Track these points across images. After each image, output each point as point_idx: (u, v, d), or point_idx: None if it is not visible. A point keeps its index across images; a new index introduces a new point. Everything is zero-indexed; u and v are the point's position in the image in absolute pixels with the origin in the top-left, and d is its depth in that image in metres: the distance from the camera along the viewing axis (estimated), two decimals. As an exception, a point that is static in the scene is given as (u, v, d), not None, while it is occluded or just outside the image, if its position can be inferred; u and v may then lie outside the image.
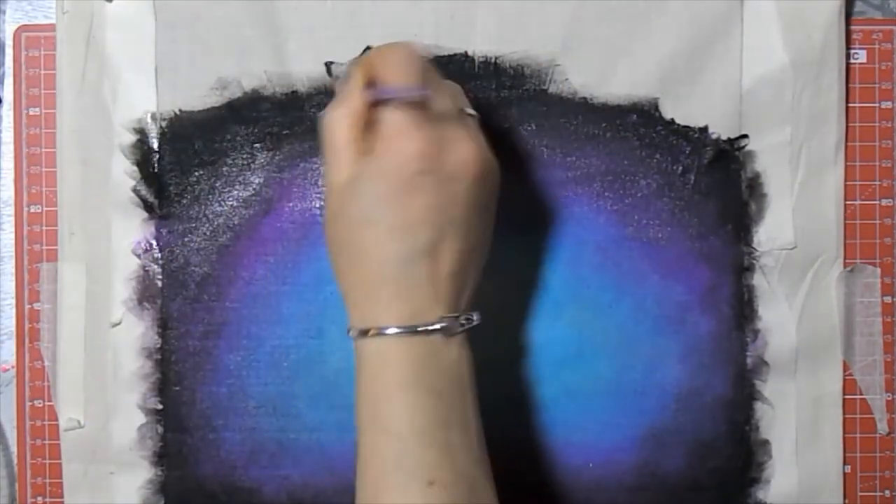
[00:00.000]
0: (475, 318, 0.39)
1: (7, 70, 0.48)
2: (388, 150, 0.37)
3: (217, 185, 0.47)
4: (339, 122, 0.38)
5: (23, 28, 0.48)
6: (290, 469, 0.47)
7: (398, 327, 0.37)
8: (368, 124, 0.38)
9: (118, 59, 0.47)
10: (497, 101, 0.47)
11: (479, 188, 0.38)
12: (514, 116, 0.47)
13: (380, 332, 0.37)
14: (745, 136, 0.47)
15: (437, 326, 0.37)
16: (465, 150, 0.38)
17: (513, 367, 0.47)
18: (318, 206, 0.47)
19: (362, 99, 0.38)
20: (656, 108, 0.47)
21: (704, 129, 0.47)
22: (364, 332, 0.38)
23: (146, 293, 0.47)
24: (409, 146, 0.37)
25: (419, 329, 0.37)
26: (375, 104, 0.38)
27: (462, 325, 0.38)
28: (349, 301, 0.39)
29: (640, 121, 0.47)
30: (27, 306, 0.48)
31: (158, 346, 0.47)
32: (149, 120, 0.47)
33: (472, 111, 0.40)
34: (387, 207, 0.37)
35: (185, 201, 0.47)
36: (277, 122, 0.47)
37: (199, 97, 0.47)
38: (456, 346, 0.38)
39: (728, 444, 0.47)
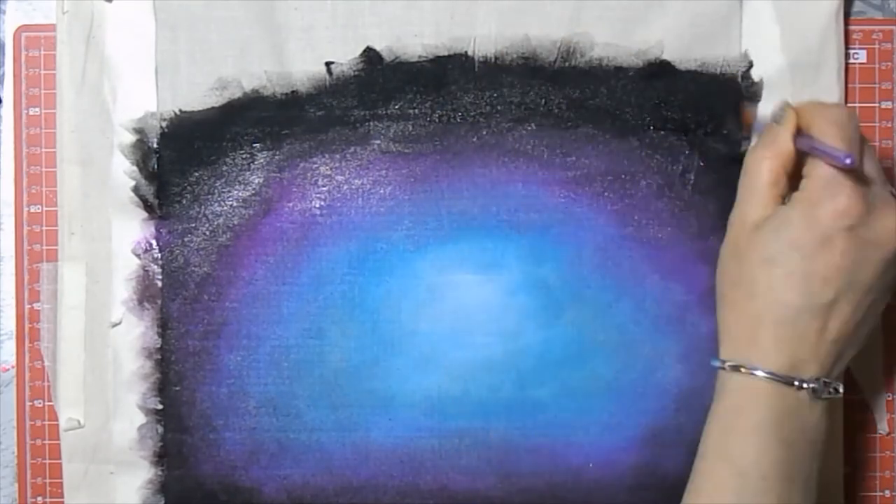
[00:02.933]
0: (840, 389, 0.39)
1: (7, 70, 0.48)
2: (814, 200, 0.37)
3: (217, 185, 0.47)
4: (763, 163, 0.39)
5: (23, 28, 0.48)
6: (290, 469, 0.47)
7: (771, 374, 0.37)
8: (790, 171, 0.39)
9: (118, 59, 0.47)
10: (497, 100, 0.47)
11: (893, 260, 0.38)
12: (515, 116, 0.47)
13: (751, 372, 0.38)
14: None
15: (810, 386, 0.37)
16: (893, 220, 0.37)
17: (513, 366, 0.47)
18: (317, 206, 0.47)
19: (791, 145, 0.39)
20: (656, 108, 0.47)
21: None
22: (736, 368, 0.38)
23: (146, 293, 0.47)
24: (838, 200, 0.37)
25: (792, 382, 0.37)
26: (801, 154, 0.39)
27: (830, 392, 0.38)
28: (726, 333, 0.40)
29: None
30: (27, 306, 0.48)
31: (158, 346, 0.47)
32: (149, 120, 0.47)
33: (892, 188, 0.40)
34: (796, 254, 0.37)
35: (185, 201, 0.47)
36: (277, 122, 0.47)
37: (199, 97, 0.47)
38: (819, 410, 0.38)
39: (728, 444, 0.47)
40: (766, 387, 0.37)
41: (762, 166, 0.39)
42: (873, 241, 0.37)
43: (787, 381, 0.37)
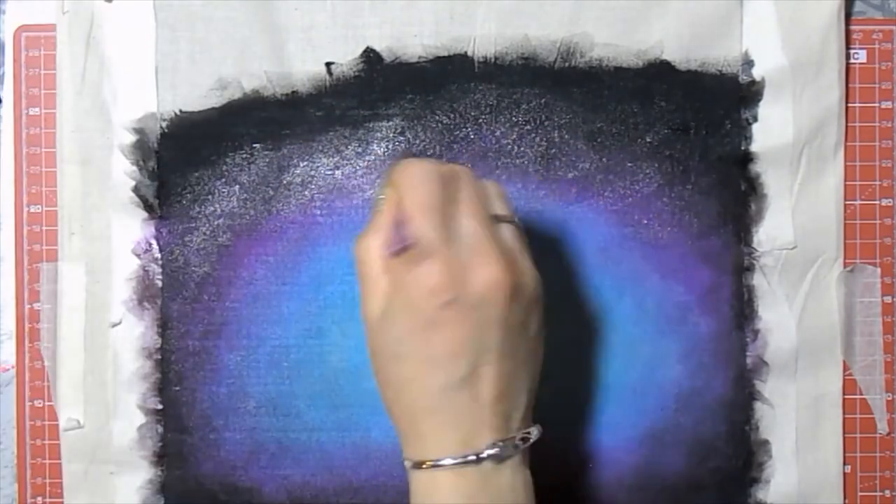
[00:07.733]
0: (533, 433, 0.37)
1: (7, 70, 0.48)
2: (410, 283, 0.35)
3: (217, 185, 0.47)
4: (370, 251, 0.36)
5: (23, 28, 0.48)
6: (290, 469, 0.47)
7: (449, 458, 0.35)
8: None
9: (118, 59, 0.47)
10: (497, 101, 0.47)
11: (509, 308, 0.35)
12: (515, 117, 0.47)
13: (433, 465, 0.35)
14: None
15: (487, 454, 0.35)
16: (489, 272, 0.35)
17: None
18: (317, 206, 0.47)
19: (393, 228, 0.36)
20: (656, 108, 0.47)
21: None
22: (418, 465, 0.36)
23: (146, 293, 0.47)
24: (427, 279, 0.34)
25: (469, 458, 0.35)
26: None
27: (516, 446, 0.36)
28: (399, 431, 0.37)
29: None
30: (27, 306, 0.48)
31: (158, 346, 0.47)
32: (149, 120, 0.47)
33: (506, 215, 0.38)
34: (415, 342, 0.35)
35: (185, 201, 0.47)
36: (277, 122, 0.47)
37: (199, 97, 0.47)
38: (509, 471, 0.36)
39: (728, 444, 0.47)
40: (447, 473, 0.35)
41: (371, 254, 0.36)
42: (478, 302, 0.35)
43: (466, 461, 0.35)
